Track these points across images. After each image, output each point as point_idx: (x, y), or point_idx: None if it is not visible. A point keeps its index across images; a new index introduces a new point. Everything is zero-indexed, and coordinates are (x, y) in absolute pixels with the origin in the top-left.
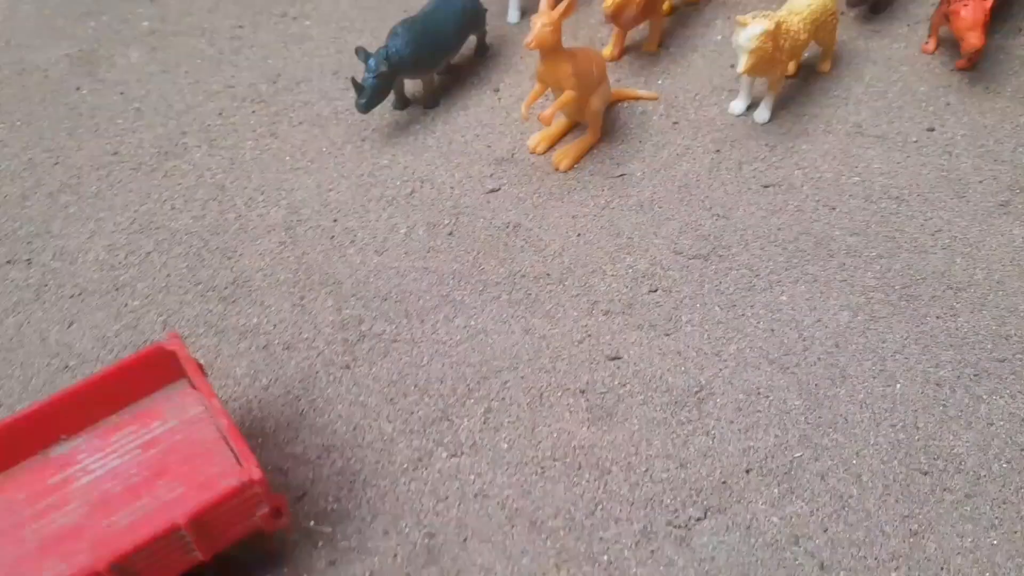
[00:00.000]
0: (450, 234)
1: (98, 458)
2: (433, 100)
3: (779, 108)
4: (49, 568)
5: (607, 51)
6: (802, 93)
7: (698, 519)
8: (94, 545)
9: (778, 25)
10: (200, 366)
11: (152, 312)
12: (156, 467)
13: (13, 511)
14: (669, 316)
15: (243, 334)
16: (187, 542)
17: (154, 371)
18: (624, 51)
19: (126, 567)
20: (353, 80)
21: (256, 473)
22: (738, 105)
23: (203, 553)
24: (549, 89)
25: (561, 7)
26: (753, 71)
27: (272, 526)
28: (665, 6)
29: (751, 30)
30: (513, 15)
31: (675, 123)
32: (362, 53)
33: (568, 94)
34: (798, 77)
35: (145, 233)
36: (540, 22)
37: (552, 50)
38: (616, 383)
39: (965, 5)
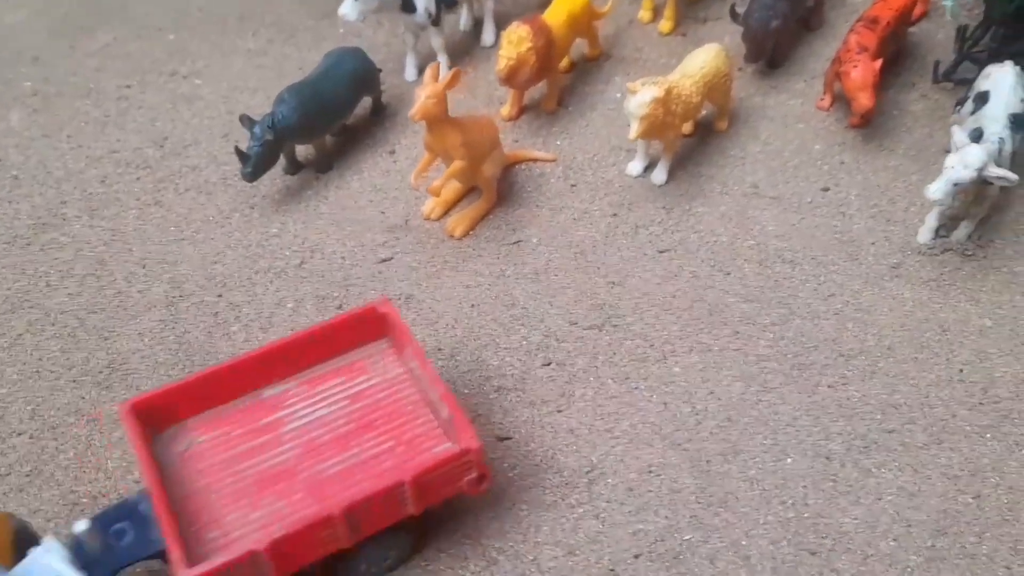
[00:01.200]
0: (339, 307)
1: (307, 405)
2: (326, 164)
3: (677, 168)
4: (267, 504)
5: (504, 111)
6: (699, 153)
7: None
8: (309, 488)
9: (669, 90)
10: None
11: (20, 400)
12: (363, 420)
13: (231, 445)
14: (562, 391)
15: (117, 423)
16: (405, 497)
17: (362, 330)
18: (522, 110)
19: (354, 514)
20: (237, 149)
21: (475, 443)
22: (635, 166)
23: (415, 508)
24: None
25: (445, 79)
26: (646, 136)
27: (475, 490)
28: (564, 63)
29: (641, 97)
30: (410, 73)
31: (573, 185)
32: (246, 121)
33: (458, 163)
34: (695, 136)
35: (17, 313)
36: (424, 94)
37: (438, 120)
38: (506, 466)
39: (855, 66)
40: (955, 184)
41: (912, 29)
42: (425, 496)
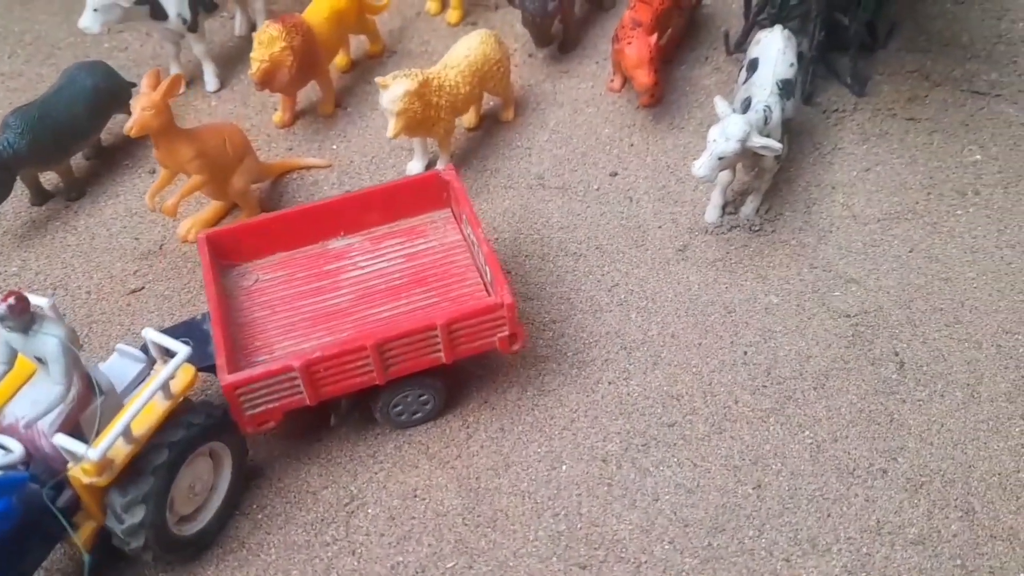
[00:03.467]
0: (81, 348)
1: (368, 258)
2: (76, 191)
3: (460, 164)
4: (316, 338)
5: (276, 117)
6: (485, 146)
7: None
8: (357, 327)
9: (426, 82)
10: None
11: None
12: (416, 276)
13: (293, 285)
14: (318, 418)
15: None
16: (436, 343)
17: (427, 195)
18: (296, 116)
19: (386, 350)
20: None
21: (508, 297)
22: (415, 166)
23: (446, 356)
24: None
25: (163, 87)
26: (408, 132)
27: (507, 348)
28: (341, 61)
29: (393, 91)
30: (210, 83)
31: (348, 191)
32: None
33: (195, 179)
34: (481, 130)
35: None
36: (139, 105)
37: (163, 133)
38: (254, 507)
39: (629, 43)
40: (720, 158)
41: (706, 1)
42: (457, 345)
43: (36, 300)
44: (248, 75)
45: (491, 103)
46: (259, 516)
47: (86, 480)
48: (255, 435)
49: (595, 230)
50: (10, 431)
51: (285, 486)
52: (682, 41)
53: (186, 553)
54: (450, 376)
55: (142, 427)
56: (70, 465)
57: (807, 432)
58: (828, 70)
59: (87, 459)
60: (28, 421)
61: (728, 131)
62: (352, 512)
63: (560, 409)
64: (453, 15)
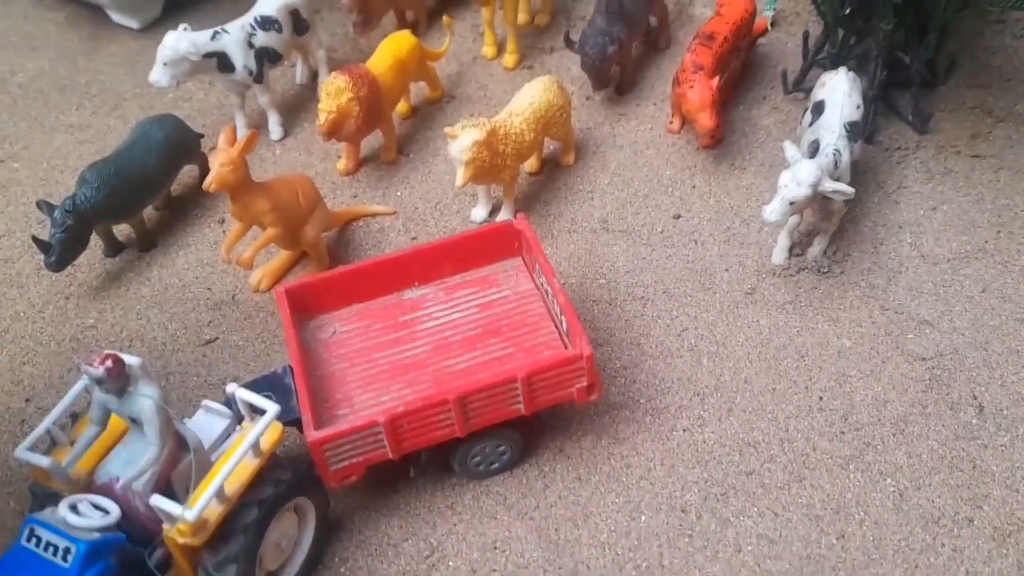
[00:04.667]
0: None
1: (442, 308)
2: (148, 242)
3: (523, 209)
4: (396, 390)
5: (340, 165)
6: (547, 190)
7: None
8: (435, 379)
9: (493, 131)
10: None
11: None
12: (490, 326)
13: (370, 336)
14: (396, 470)
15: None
16: (516, 395)
17: (499, 244)
18: (360, 164)
19: (468, 403)
20: (35, 238)
21: (587, 350)
22: (479, 212)
23: (526, 408)
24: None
25: (241, 143)
26: (476, 180)
27: (584, 399)
28: (402, 108)
29: (462, 141)
30: (275, 132)
31: (414, 238)
32: (45, 206)
33: (269, 231)
34: (543, 174)
35: None
36: (218, 162)
37: (239, 188)
38: (336, 560)
39: (691, 87)
40: (791, 203)
41: (762, 40)
42: (536, 397)
43: (127, 359)
44: (316, 125)
45: (551, 147)
46: (342, 569)
47: (182, 540)
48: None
49: (661, 274)
50: (105, 491)
51: (366, 538)
52: (739, 82)
53: None
54: (526, 426)
55: (233, 486)
56: (166, 527)
57: (889, 480)
58: (889, 108)
59: (184, 520)
60: (124, 483)
61: (799, 176)
62: (433, 565)
63: (636, 458)
64: (509, 60)
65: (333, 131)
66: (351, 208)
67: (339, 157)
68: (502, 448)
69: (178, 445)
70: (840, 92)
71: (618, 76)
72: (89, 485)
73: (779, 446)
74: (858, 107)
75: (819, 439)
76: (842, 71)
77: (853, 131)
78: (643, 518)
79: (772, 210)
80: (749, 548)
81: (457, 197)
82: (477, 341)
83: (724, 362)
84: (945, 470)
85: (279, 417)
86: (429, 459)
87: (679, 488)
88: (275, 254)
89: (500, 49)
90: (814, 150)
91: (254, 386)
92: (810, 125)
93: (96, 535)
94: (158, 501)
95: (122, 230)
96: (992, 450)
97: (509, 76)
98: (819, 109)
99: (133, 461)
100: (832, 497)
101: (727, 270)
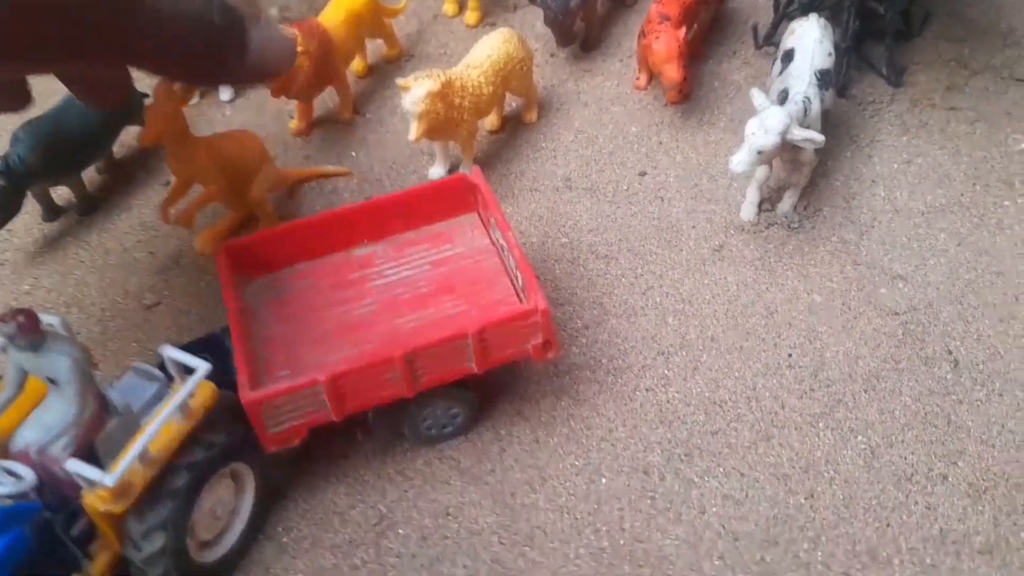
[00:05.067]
0: (95, 365)
1: (392, 266)
2: (88, 205)
3: (484, 167)
4: (342, 350)
5: (293, 125)
6: (509, 148)
7: None
8: (383, 338)
9: (448, 83)
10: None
11: None
12: (443, 284)
13: (319, 294)
14: (344, 433)
15: None
16: (468, 352)
17: (453, 199)
18: (313, 124)
19: (415, 361)
20: None
21: (542, 303)
22: (437, 171)
23: (478, 366)
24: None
25: (177, 94)
26: (431, 135)
27: (541, 356)
28: (358, 67)
29: (414, 93)
30: (224, 93)
31: (368, 198)
32: None
33: (211, 188)
34: (505, 132)
35: None
36: (152, 113)
37: (177, 141)
38: (279, 529)
39: (657, 38)
40: (758, 152)
41: None
42: (489, 354)
43: (47, 319)
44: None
45: (513, 105)
46: (284, 539)
47: (102, 507)
48: (278, 454)
49: (626, 232)
50: (21, 457)
51: (311, 507)
52: (708, 36)
53: None
54: (480, 387)
55: (160, 449)
56: (84, 491)
57: (860, 437)
58: (862, 61)
59: (103, 485)
60: (40, 446)
61: (767, 124)
62: (382, 533)
63: (597, 419)
64: (471, 17)
65: (282, 87)
66: (302, 170)
67: (292, 118)
68: (454, 411)
69: (101, 408)
70: (811, 39)
71: (583, 32)
72: (3, 451)
73: (746, 405)
74: (830, 54)
75: (788, 397)
76: (812, 17)
77: (824, 79)
78: (603, 481)
79: (739, 160)
80: (714, 509)
81: (414, 157)
82: (429, 299)
83: (690, 320)
84: (919, 426)
85: (217, 379)
86: (376, 421)
87: (641, 449)
88: (222, 217)
89: (462, 6)
90: (783, 99)
91: (191, 348)
92: (779, 74)
93: (8, 502)
94: (74, 465)
95: (61, 194)
96: (967, 405)
97: (471, 34)
98: (788, 57)
99: (51, 425)
100: (801, 456)
101: (694, 227)
